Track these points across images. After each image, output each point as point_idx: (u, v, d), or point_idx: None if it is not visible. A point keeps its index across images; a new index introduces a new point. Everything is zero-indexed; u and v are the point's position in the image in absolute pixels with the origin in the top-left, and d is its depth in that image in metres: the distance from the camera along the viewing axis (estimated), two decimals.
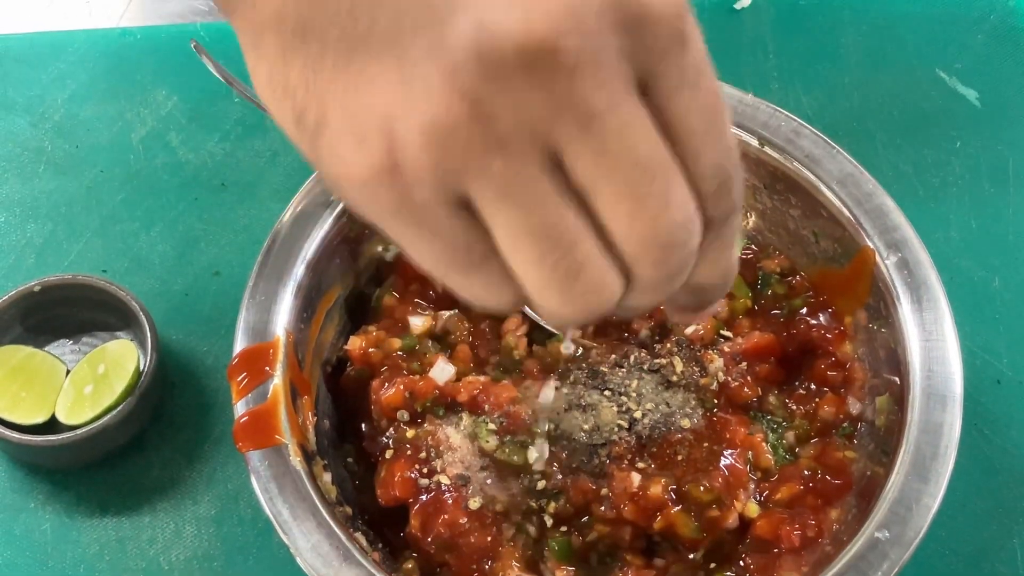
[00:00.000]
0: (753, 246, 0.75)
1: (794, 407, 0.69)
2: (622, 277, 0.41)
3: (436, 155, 0.38)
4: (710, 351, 0.69)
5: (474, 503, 0.64)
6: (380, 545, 0.66)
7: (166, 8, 0.96)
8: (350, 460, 0.69)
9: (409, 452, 0.66)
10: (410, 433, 0.66)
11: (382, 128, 0.38)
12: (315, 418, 0.67)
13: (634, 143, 0.38)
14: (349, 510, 0.65)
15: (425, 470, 0.65)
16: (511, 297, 0.42)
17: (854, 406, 0.69)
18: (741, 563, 0.65)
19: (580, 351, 0.70)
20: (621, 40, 0.37)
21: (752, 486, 0.66)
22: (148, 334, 0.74)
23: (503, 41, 0.36)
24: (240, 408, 0.64)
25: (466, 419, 0.66)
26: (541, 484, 0.64)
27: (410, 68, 0.38)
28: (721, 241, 0.43)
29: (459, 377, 0.68)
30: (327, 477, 0.65)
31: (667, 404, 0.67)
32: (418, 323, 0.70)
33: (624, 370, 0.68)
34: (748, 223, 0.75)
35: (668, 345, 0.69)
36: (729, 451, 0.66)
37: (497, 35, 0.36)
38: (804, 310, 0.72)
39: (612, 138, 0.38)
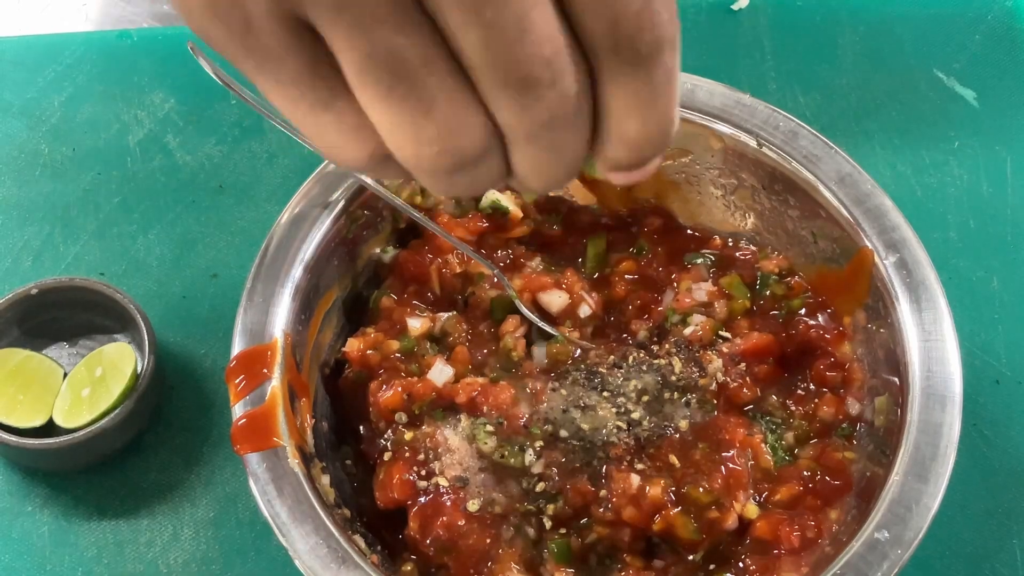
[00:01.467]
0: (752, 246, 0.75)
1: (793, 408, 0.69)
2: (487, 121, 0.37)
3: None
4: (709, 352, 0.69)
5: (473, 505, 0.64)
6: (379, 547, 0.65)
7: (163, 10, 0.96)
8: (348, 462, 0.69)
9: (407, 454, 0.65)
10: (408, 435, 0.66)
11: None
12: (313, 420, 0.67)
13: None
14: (347, 512, 0.65)
15: (423, 472, 0.65)
16: (368, 146, 0.39)
17: (853, 406, 0.68)
18: (740, 564, 0.64)
19: (578, 352, 0.70)
20: None
21: (751, 487, 0.66)
22: (146, 337, 0.74)
23: None
24: (238, 410, 0.64)
25: (464, 421, 0.66)
26: (540, 486, 0.64)
27: None
28: (644, 83, 0.37)
29: (457, 379, 0.68)
30: (325, 479, 0.65)
31: (666, 405, 0.67)
32: (416, 325, 0.70)
33: (623, 371, 0.68)
34: (747, 224, 0.75)
35: (667, 346, 0.69)
36: (728, 452, 0.65)
37: None
38: (803, 310, 0.71)
39: None
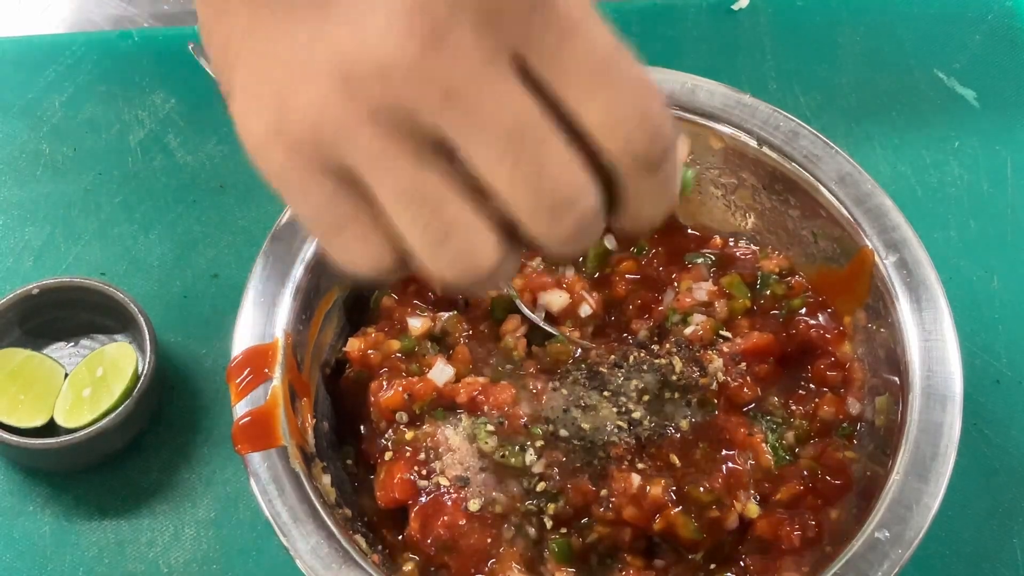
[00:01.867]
0: (752, 246, 0.75)
1: (794, 407, 0.69)
2: (500, 237, 0.43)
3: (315, 126, 0.41)
4: (709, 351, 0.69)
5: (473, 504, 0.64)
6: (379, 547, 0.65)
7: (160, 9, 0.96)
8: (349, 462, 0.69)
9: (408, 454, 0.66)
10: (409, 435, 0.66)
11: (273, 100, 0.43)
12: (314, 420, 0.67)
13: (497, 110, 0.40)
14: (348, 512, 0.65)
15: (424, 472, 0.65)
16: (386, 259, 0.45)
17: (854, 406, 0.68)
18: (741, 563, 0.64)
19: (579, 352, 0.70)
20: (477, 17, 0.40)
21: (752, 487, 0.66)
22: (147, 337, 0.74)
23: (369, 28, 0.40)
24: (239, 410, 0.64)
25: (465, 420, 0.66)
26: (541, 485, 0.64)
27: (297, 48, 0.42)
28: (657, 181, 0.44)
29: (458, 378, 0.68)
30: (326, 479, 0.65)
31: (667, 405, 0.67)
32: (417, 324, 0.70)
33: (623, 371, 0.68)
34: (747, 223, 0.75)
35: (667, 345, 0.69)
36: (729, 452, 0.65)
37: (366, 22, 0.40)
38: (803, 310, 0.71)
39: (474, 108, 0.40)
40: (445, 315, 0.71)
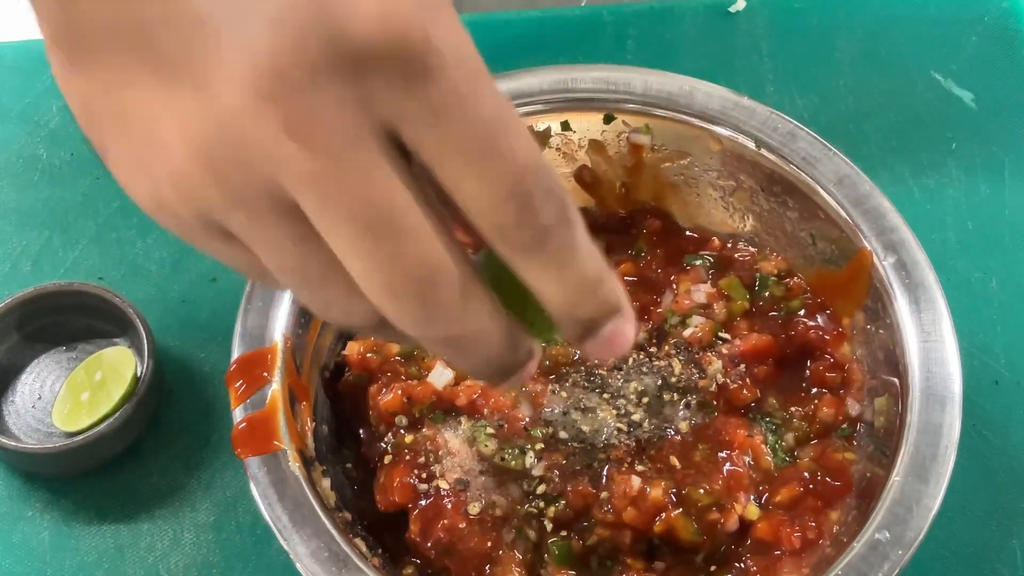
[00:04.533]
0: (751, 248, 0.75)
1: (793, 409, 0.69)
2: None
3: (186, 204, 0.39)
4: (708, 353, 0.69)
5: (473, 508, 0.64)
6: (380, 551, 0.65)
7: None
8: (349, 466, 0.69)
9: (408, 457, 0.65)
10: (409, 438, 0.66)
11: (141, 169, 0.40)
12: (314, 424, 0.67)
13: (358, 195, 0.37)
14: (348, 516, 0.65)
15: (424, 475, 0.65)
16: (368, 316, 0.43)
17: (853, 407, 0.68)
18: (741, 565, 0.64)
19: (578, 354, 0.70)
20: (341, 90, 0.36)
21: (752, 488, 0.66)
22: (145, 341, 0.74)
23: (217, 108, 0.37)
24: (238, 414, 0.64)
25: (465, 424, 0.66)
26: (541, 488, 0.64)
27: (152, 120, 0.39)
28: (552, 260, 0.40)
29: (457, 381, 0.68)
30: (326, 483, 0.65)
31: (666, 407, 0.67)
32: None
33: (623, 373, 0.68)
34: (745, 225, 0.75)
35: (666, 347, 0.69)
36: (728, 453, 0.65)
37: (213, 101, 0.37)
38: (802, 312, 0.72)
39: (334, 192, 0.37)
40: None
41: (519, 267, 0.40)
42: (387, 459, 0.66)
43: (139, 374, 0.74)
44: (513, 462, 0.65)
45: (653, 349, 0.70)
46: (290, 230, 0.39)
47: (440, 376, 0.67)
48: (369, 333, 0.43)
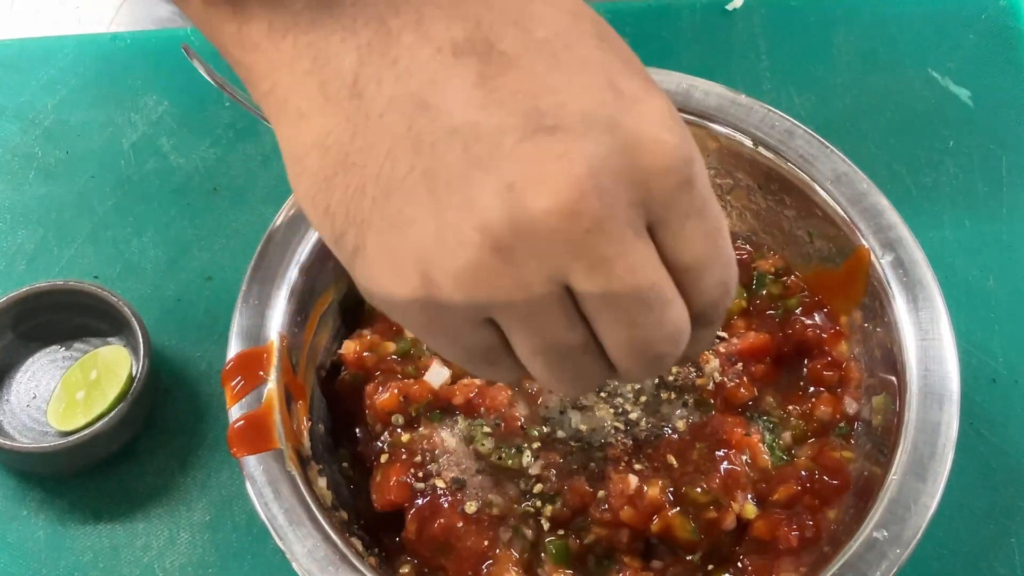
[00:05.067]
0: (748, 246, 0.75)
1: (790, 407, 0.69)
2: (607, 370, 0.49)
3: (467, 294, 0.44)
4: (705, 351, 0.69)
5: (470, 507, 0.63)
6: (376, 550, 0.65)
7: (156, 13, 0.96)
8: (345, 465, 0.69)
9: (404, 456, 0.65)
10: (405, 437, 0.66)
11: (417, 266, 0.44)
12: (310, 423, 0.67)
13: (636, 280, 0.44)
14: (345, 515, 0.65)
15: (420, 474, 0.65)
16: (517, 379, 0.55)
17: (851, 406, 0.68)
18: (739, 564, 0.64)
19: None
20: (632, 194, 0.43)
21: (749, 487, 0.65)
22: (140, 340, 0.74)
23: (532, 208, 0.42)
24: (234, 413, 0.64)
25: (461, 422, 0.66)
26: (538, 487, 0.64)
27: (445, 217, 0.43)
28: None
29: (454, 380, 0.67)
30: (322, 482, 0.65)
31: (663, 405, 0.67)
32: None
33: None
34: (743, 224, 0.75)
35: None
36: (726, 452, 0.65)
37: (527, 202, 0.42)
38: (799, 310, 0.71)
39: (616, 278, 0.44)
40: None
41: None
42: (383, 458, 0.66)
43: (134, 373, 0.74)
44: (510, 461, 0.64)
45: None
46: (561, 309, 0.45)
47: (437, 375, 0.67)
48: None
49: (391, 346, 0.69)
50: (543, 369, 0.48)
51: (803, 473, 0.66)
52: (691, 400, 0.67)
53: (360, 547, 0.63)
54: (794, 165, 0.71)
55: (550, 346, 0.46)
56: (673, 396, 0.67)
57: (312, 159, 0.46)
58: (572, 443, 0.65)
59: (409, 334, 0.69)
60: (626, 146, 0.43)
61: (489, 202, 0.43)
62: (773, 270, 0.73)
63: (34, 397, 0.76)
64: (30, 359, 0.77)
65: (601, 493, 0.64)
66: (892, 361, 0.66)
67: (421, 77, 0.44)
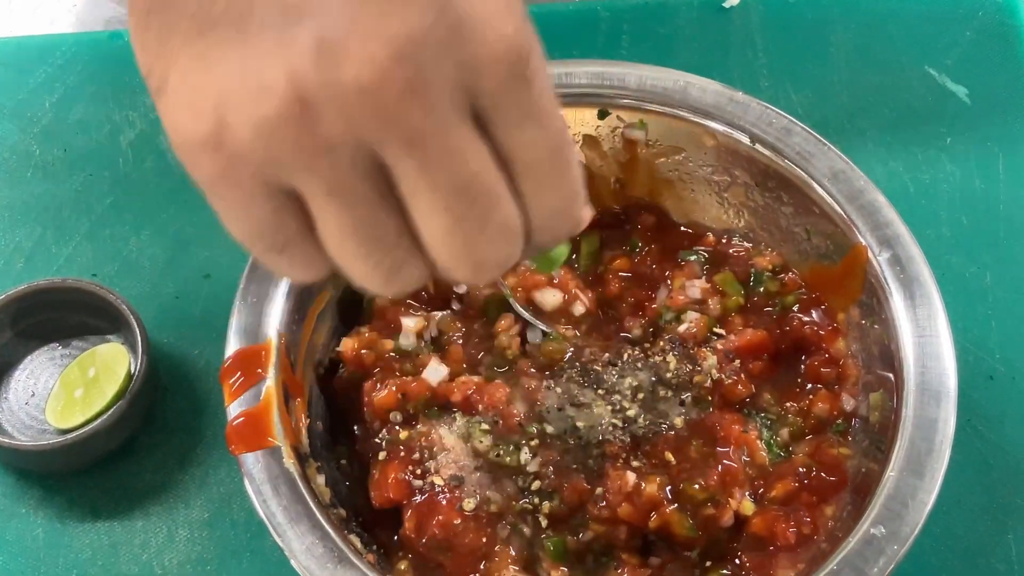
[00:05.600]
0: (745, 243, 0.75)
1: (788, 404, 0.69)
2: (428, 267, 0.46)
3: (264, 147, 0.41)
4: (703, 348, 0.69)
5: (468, 504, 0.63)
6: (374, 547, 0.65)
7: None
8: (343, 462, 0.69)
9: (403, 453, 0.65)
10: (403, 434, 0.66)
11: (215, 109, 0.41)
12: (308, 420, 0.67)
13: (456, 165, 0.41)
14: (343, 512, 0.65)
15: (419, 471, 0.65)
16: (319, 274, 0.46)
17: (848, 403, 0.68)
18: (737, 561, 0.64)
19: (572, 350, 0.70)
20: (457, 74, 0.41)
21: (747, 484, 0.66)
22: (139, 338, 0.74)
23: (342, 60, 0.39)
24: (233, 410, 0.64)
25: (459, 420, 0.66)
26: (536, 484, 0.64)
27: (252, 60, 0.41)
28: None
29: (452, 377, 0.67)
30: (321, 479, 0.65)
31: (661, 402, 0.67)
32: (410, 324, 0.70)
33: (617, 368, 0.68)
34: (740, 221, 0.75)
35: (661, 343, 0.69)
36: (724, 449, 0.65)
37: (338, 53, 0.39)
38: (796, 307, 0.72)
39: (434, 159, 0.41)
40: (439, 315, 0.71)
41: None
42: (382, 455, 0.66)
43: (133, 371, 0.74)
44: (508, 458, 0.64)
45: (648, 345, 0.70)
46: (373, 185, 0.42)
47: (435, 372, 0.67)
48: (405, 285, 0.46)
49: (389, 344, 0.69)
50: (353, 258, 0.44)
51: (801, 470, 0.66)
52: (689, 397, 0.67)
53: (358, 544, 0.63)
54: (791, 162, 0.71)
55: (359, 227, 0.43)
56: (671, 393, 0.67)
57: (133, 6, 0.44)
58: (570, 440, 0.65)
59: (407, 332, 0.69)
60: (453, 24, 0.40)
61: (301, 51, 0.40)
62: (771, 267, 0.73)
63: (32, 395, 0.76)
64: (28, 357, 0.77)
65: (599, 490, 0.64)
66: (889, 358, 0.66)
67: None
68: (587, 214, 0.48)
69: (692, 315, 0.71)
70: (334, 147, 0.40)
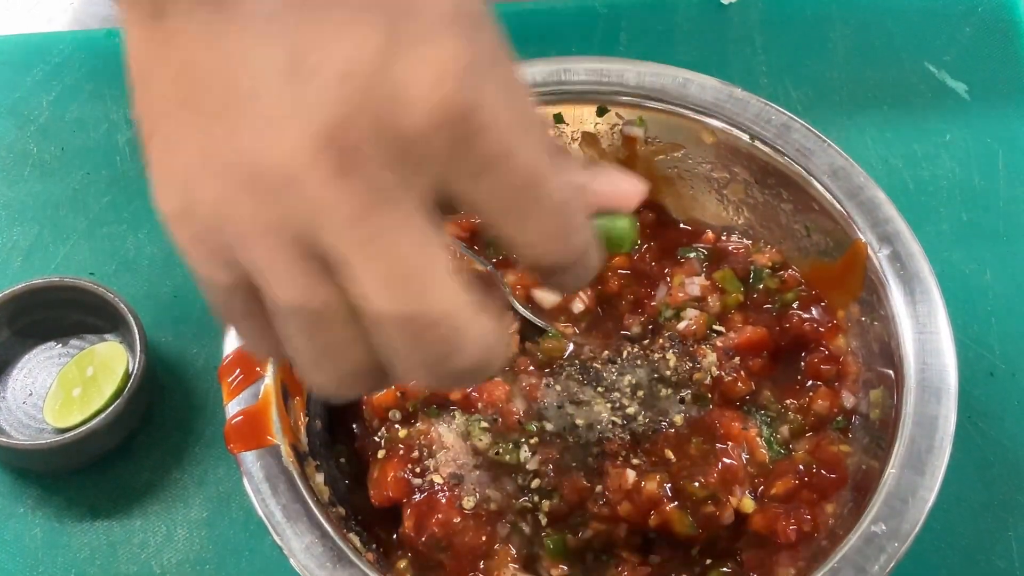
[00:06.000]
0: (745, 240, 0.74)
1: (788, 401, 0.69)
2: (373, 355, 0.43)
3: (213, 227, 0.42)
4: (703, 346, 0.69)
5: (468, 502, 0.63)
6: (374, 545, 0.65)
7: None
8: (342, 460, 0.69)
9: (402, 452, 0.65)
10: (402, 432, 0.66)
11: (181, 187, 0.42)
12: (307, 418, 0.67)
13: (391, 247, 0.40)
14: (342, 510, 0.65)
15: (418, 469, 0.65)
16: (278, 353, 0.45)
17: (848, 400, 0.68)
18: (737, 559, 0.64)
19: (572, 348, 0.69)
20: (391, 153, 0.40)
21: (747, 481, 0.65)
22: (137, 336, 0.74)
23: (274, 147, 0.40)
24: (231, 409, 0.64)
25: (459, 418, 0.66)
26: (535, 482, 0.64)
27: (207, 146, 0.41)
28: (574, 273, 0.46)
29: None
30: (319, 478, 0.65)
31: (661, 400, 0.67)
32: None
33: (617, 366, 0.68)
34: (740, 218, 0.75)
35: (661, 340, 0.69)
36: (723, 446, 0.65)
37: (270, 140, 0.40)
38: (796, 304, 0.71)
39: (370, 239, 0.40)
40: None
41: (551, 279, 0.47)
42: (380, 454, 0.66)
43: (131, 370, 0.74)
44: (507, 456, 0.64)
45: (647, 342, 0.70)
46: (309, 267, 0.41)
47: None
48: (351, 383, 0.45)
49: None
50: (298, 338, 0.43)
51: (801, 467, 0.66)
52: (688, 394, 0.67)
53: (358, 543, 0.63)
54: (791, 159, 0.71)
55: (300, 306, 0.42)
56: (670, 391, 0.67)
57: (133, 63, 0.47)
58: (569, 438, 0.65)
59: None
60: (382, 100, 0.39)
61: (242, 139, 0.40)
62: (770, 264, 0.73)
63: (30, 394, 0.76)
64: (26, 356, 0.77)
65: (599, 488, 0.64)
66: (889, 355, 0.66)
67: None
68: (639, 188, 0.48)
69: (692, 312, 0.71)
70: (274, 225, 0.40)
